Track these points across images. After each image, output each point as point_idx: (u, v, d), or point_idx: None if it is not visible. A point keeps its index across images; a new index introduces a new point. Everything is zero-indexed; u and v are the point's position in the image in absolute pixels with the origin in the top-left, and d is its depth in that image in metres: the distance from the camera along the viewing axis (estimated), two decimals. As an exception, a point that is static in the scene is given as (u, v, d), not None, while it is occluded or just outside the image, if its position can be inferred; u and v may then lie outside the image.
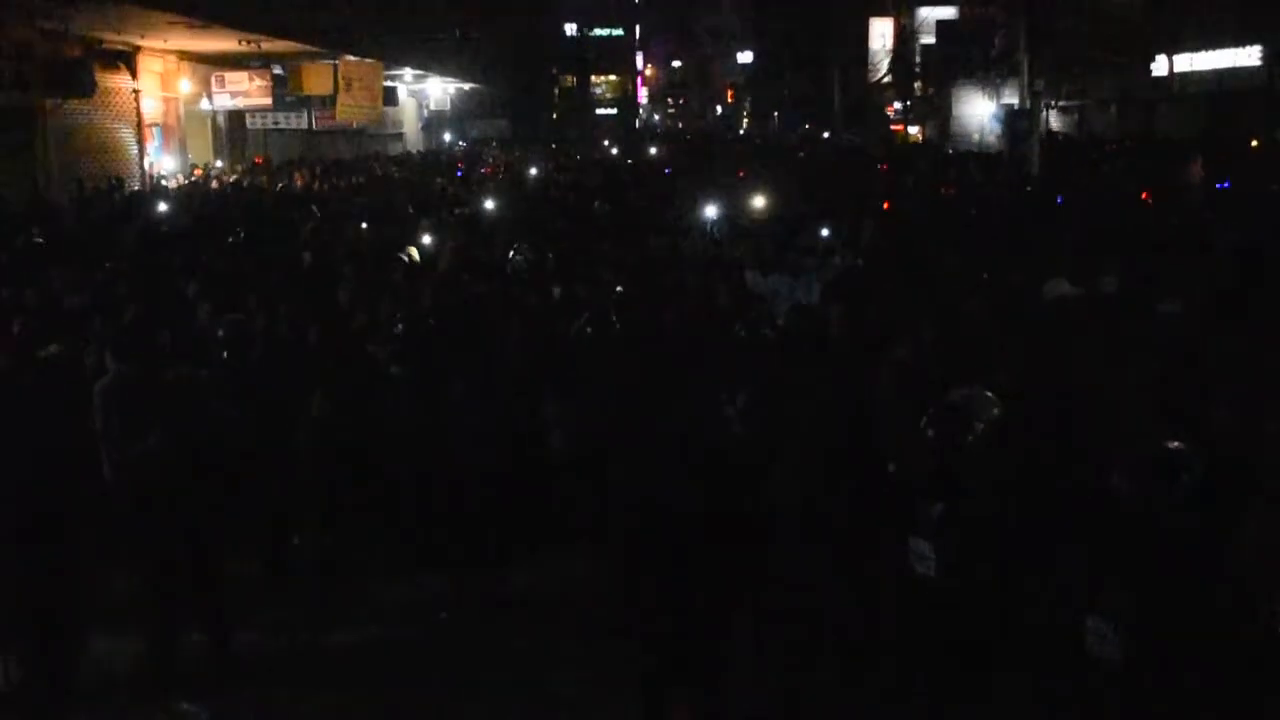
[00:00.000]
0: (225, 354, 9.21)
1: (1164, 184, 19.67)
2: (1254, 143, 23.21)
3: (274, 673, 7.43)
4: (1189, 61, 27.51)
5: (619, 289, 11.84)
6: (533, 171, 32.75)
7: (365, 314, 10.81)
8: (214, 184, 28.53)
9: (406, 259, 14.04)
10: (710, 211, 16.63)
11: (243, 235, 16.27)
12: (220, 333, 9.76)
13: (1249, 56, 25.03)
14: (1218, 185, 14.35)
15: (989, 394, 6.38)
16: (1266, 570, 5.19)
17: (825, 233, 14.27)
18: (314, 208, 19.78)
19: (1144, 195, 18.95)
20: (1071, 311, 9.90)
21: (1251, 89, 25.00)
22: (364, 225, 17.79)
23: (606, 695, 6.69)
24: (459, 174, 32.46)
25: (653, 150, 47.17)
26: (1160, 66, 28.57)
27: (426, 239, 15.49)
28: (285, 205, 22.27)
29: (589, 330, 10.27)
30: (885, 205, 19.90)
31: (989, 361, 7.80)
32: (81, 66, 23.70)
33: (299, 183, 29.80)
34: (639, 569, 6.13)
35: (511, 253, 14.07)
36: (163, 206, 20.69)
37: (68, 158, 25.15)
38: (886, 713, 6.30)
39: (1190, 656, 5.08)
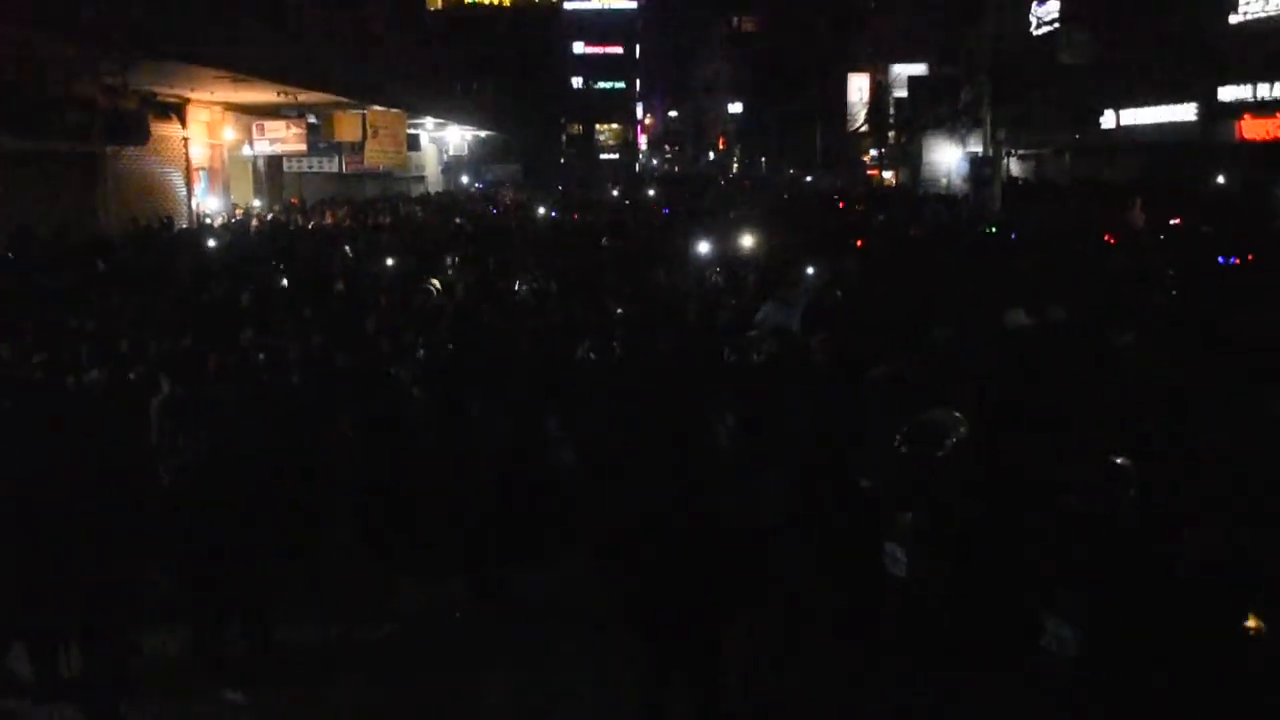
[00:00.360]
0: (265, 375, 9.29)
1: (1110, 226, 19.80)
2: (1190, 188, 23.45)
3: (308, 664, 7.45)
4: (1133, 116, 27.67)
5: (619, 313, 11.93)
6: (540, 211, 32.81)
7: (389, 340, 10.87)
8: (254, 222, 28.62)
9: (433, 289, 14.10)
10: (707, 250, 16.68)
11: (281, 267, 16.33)
12: (260, 356, 9.86)
13: (1185, 112, 25.21)
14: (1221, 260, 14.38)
15: (957, 414, 6.44)
16: (1215, 576, 5.24)
17: (810, 270, 14.33)
18: (346, 247, 19.68)
19: (1108, 238, 19.02)
20: (1028, 339, 9.95)
21: (1187, 141, 25.19)
22: (390, 260, 17.82)
23: (608, 687, 6.68)
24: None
25: (650, 191, 47.15)
26: (1108, 120, 28.73)
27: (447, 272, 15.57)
28: (320, 241, 22.32)
29: (592, 354, 10.33)
30: (859, 243, 20.00)
31: (956, 384, 7.84)
32: (137, 117, 23.77)
33: (330, 220, 29.90)
34: (639, 571, 6.09)
35: (518, 284, 14.16)
36: (211, 242, 20.80)
37: (124, 198, 25.27)
38: (868, 702, 6.32)
39: (1142, 653, 5.10)
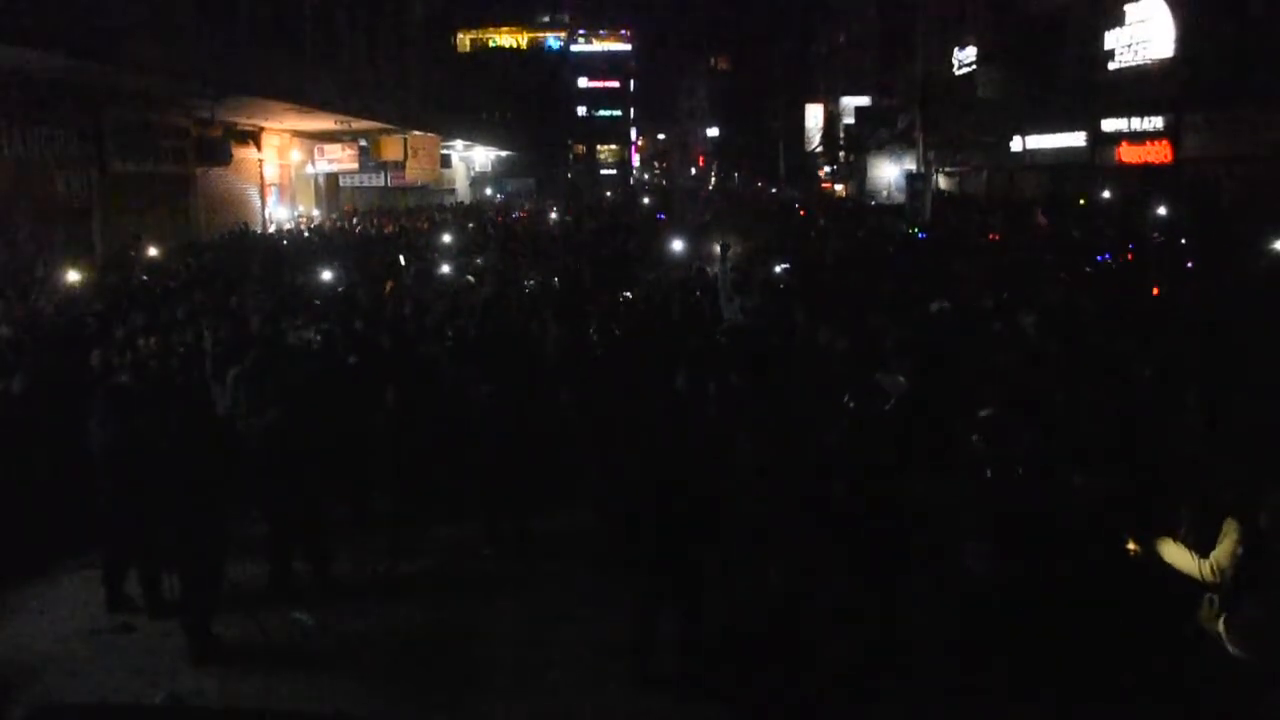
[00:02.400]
0: (324, 354, 9.34)
1: (1018, 230, 19.94)
2: (1081, 200, 23.54)
3: (361, 592, 7.54)
4: (1036, 141, 27.74)
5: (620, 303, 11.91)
6: (553, 215, 32.71)
7: (423, 324, 10.84)
8: (314, 226, 28.57)
9: (468, 282, 14.13)
10: (690, 250, 16.63)
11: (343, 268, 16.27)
12: (315, 336, 9.87)
13: (1077, 139, 25.32)
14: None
15: (901, 378, 6.57)
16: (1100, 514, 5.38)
17: (779, 269, 14.44)
18: (400, 256, 19.44)
19: (992, 236, 19.29)
20: (948, 322, 10.04)
21: (1079, 162, 25.32)
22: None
23: (608, 612, 6.68)
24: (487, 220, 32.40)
25: (646, 200, 46.89)
26: (1017, 144, 28.79)
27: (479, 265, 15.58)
28: (377, 246, 22.17)
29: (595, 336, 10.35)
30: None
31: (891, 358, 7.93)
32: (222, 143, 24.01)
33: (387, 228, 29.76)
34: (637, 514, 6.08)
35: (528, 279, 14.17)
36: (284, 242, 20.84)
37: (211, 210, 25.39)
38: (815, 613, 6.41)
39: (1045, 572, 5.21)
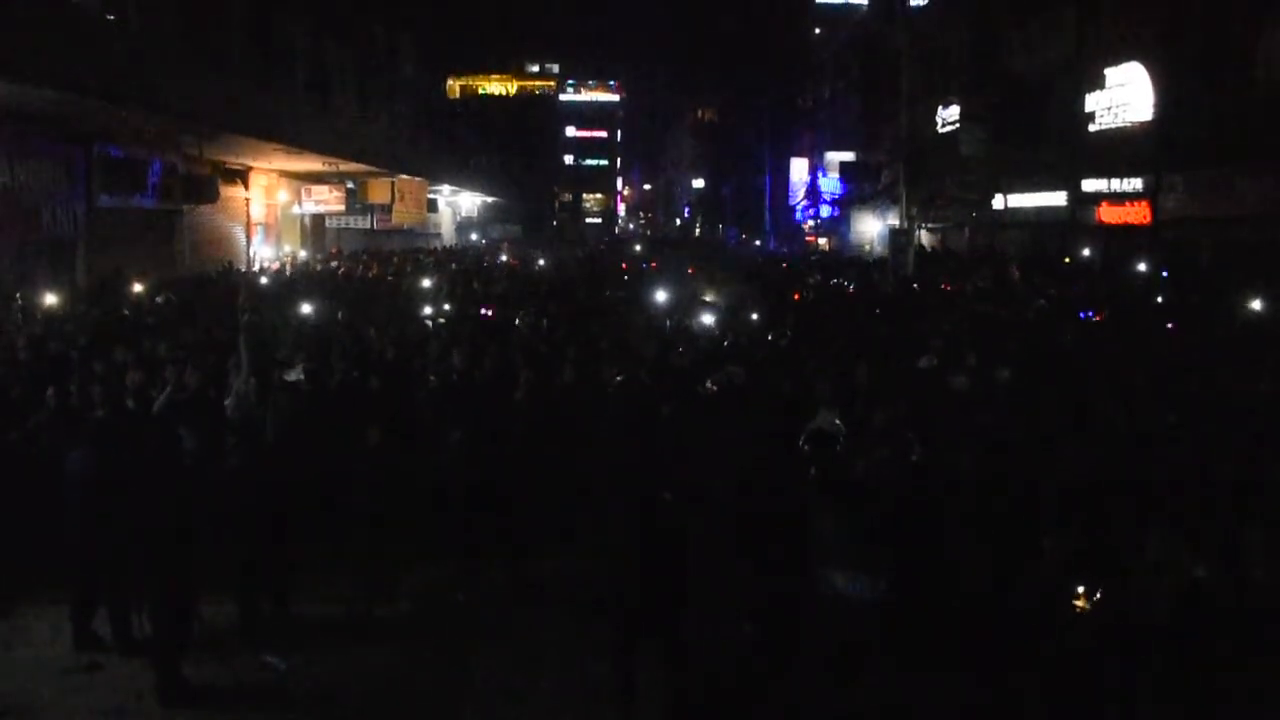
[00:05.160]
0: (307, 394, 9.29)
1: (999, 285, 20.13)
2: (1066, 259, 23.86)
3: (334, 635, 7.45)
4: (1018, 199, 28.16)
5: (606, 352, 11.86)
6: (541, 263, 32.75)
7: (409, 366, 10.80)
8: (302, 267, 28.51)
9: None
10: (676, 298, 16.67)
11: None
12: (301, 378, 9.83)
13: (1057, 198, 25.76)
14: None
15: (837, 422, 6.79)
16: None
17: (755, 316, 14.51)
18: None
19: (945, 285, 19.48)
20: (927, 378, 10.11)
21: (1059, 220, 25.73)
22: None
23: (586, 659, 6.64)
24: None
25: (637, 247, 46.96)
26: (999, 202, 29.19)
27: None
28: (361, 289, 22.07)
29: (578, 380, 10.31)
30: (795, 296, 20.06)
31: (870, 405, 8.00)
32: (210, 182, 24.12)
33: (371, 271, 29.69)
34: (620, 559, 6.06)
35: (517, 320, 14.17)
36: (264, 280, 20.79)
37: (197, 247, 25.43)
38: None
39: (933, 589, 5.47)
